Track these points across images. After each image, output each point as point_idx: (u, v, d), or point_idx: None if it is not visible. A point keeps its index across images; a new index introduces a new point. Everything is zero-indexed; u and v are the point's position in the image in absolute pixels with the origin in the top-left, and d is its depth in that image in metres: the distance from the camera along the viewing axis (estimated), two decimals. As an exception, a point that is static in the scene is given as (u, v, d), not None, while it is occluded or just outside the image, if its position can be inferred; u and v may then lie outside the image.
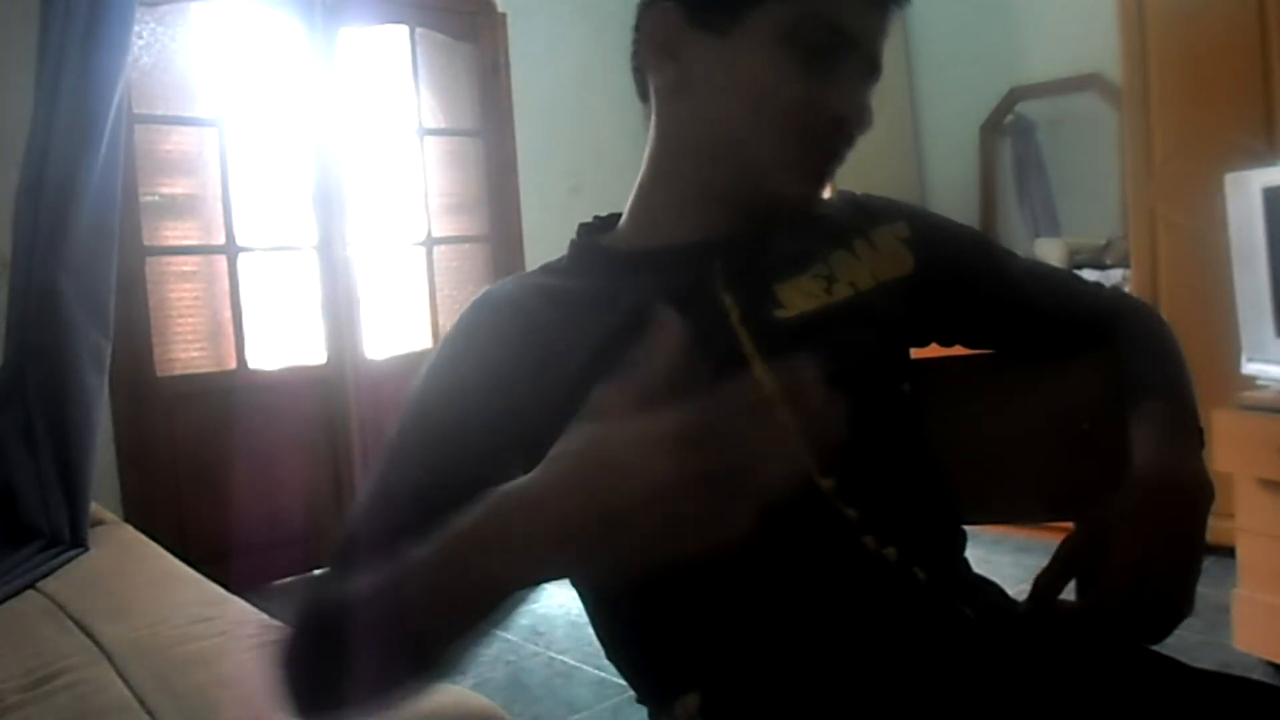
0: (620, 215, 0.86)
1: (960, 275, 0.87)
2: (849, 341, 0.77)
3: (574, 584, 0.80)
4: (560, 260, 0.85)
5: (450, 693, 1.25)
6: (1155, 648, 0.72)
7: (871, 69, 0.77)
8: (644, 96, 0.82)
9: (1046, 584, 0.73)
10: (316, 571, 0.71)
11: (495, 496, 0.52)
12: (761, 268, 0.80)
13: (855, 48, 0.74)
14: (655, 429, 0.47)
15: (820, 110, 0.74)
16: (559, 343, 0.74)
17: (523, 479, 0.51)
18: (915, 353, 0.89)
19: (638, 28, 0.80)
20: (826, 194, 0.81)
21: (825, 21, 0.73)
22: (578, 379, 0.70)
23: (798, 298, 0.79)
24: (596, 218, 0.88)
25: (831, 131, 0.75)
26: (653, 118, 0.82)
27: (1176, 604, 0.68)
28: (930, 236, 0.87)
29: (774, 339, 0.76)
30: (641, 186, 0.83)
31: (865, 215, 0.87)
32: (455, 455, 0.69)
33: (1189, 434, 0.78)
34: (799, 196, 0.77)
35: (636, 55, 0.81)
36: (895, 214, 0.88)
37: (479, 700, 1.27)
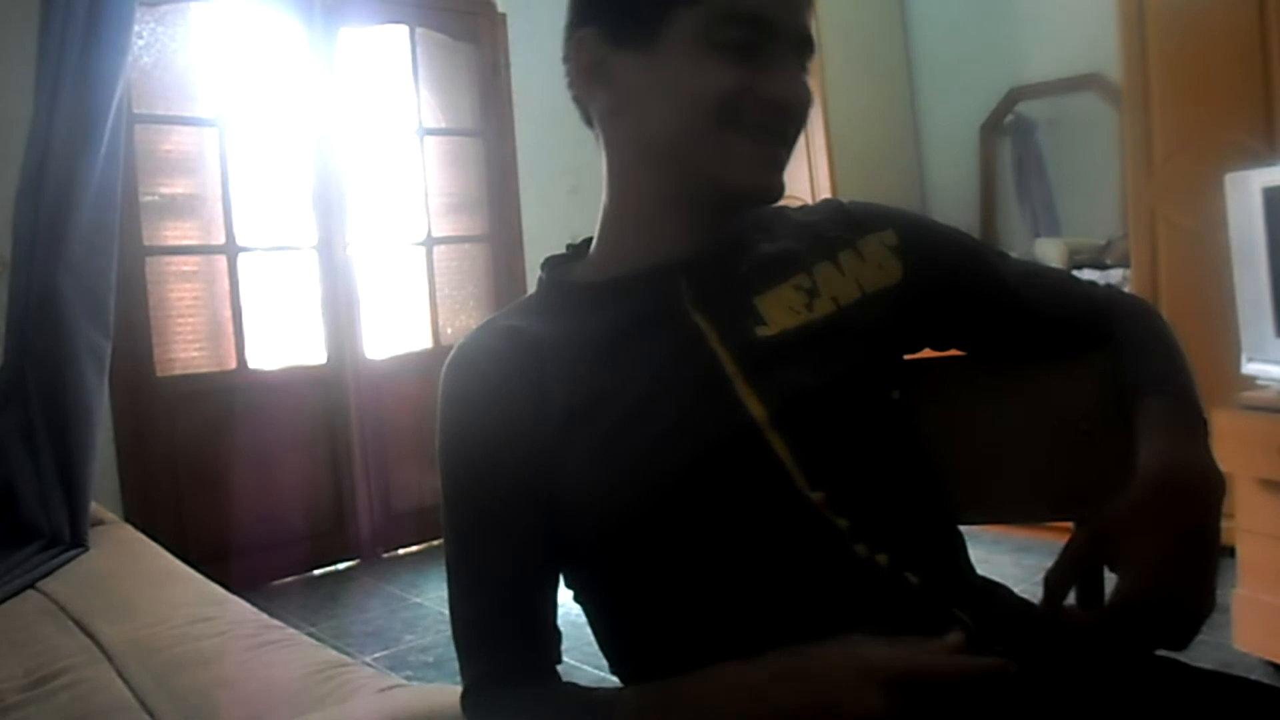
0: (592, 240, 0.86)
1: (951, 280, 0.86)
2: (832, 357, 0.77)
3: (576, 598, 0.80)
4: (531, 298, 0.85)
5: (449, 692, 1.24)
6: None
7: (800, 48, 0.77)
8: (589, 122, 0.82)
9: (1057, 582, 0.73)
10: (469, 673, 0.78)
11: (722, 675, 0.66)
12: (737, 282, 0.79)
13: (777, 33, 0.74)
14: (881, 667, 0.62)
15: (756, 97, 0.74)
16: (541, 385, 0.76)
17: (751, 667, 0.66)
18: (912, 355, 0.89)
19: (566, 58, 0.80)
20: (793, 191, 0.81)
21: (741, 15, 0.73)
22: (563, 419, 0.74)
23: (780, 313, 0.78)
24: (569, 246, 0.88)
25: (772, 115, 0.75)
26: (601, 142, 0.82)
27: (1197, 601, 0.68)
28: (920, 243, 0.86)
29: (756, 357, 0.76)
30: (604, 212, 0.83)
31: (852, 224, 0.86)
32: (501, 511, 0.76)
33: (1194, 426, 0.77)
34: (756, 187, 0.77)
35: (572, 85, 0.81)
36: (884, 221, 0.86)
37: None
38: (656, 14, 0.74)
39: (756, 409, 0.73)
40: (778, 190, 0.78)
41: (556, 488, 0.74)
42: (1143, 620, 0.68)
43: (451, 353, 0.81)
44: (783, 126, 0.76)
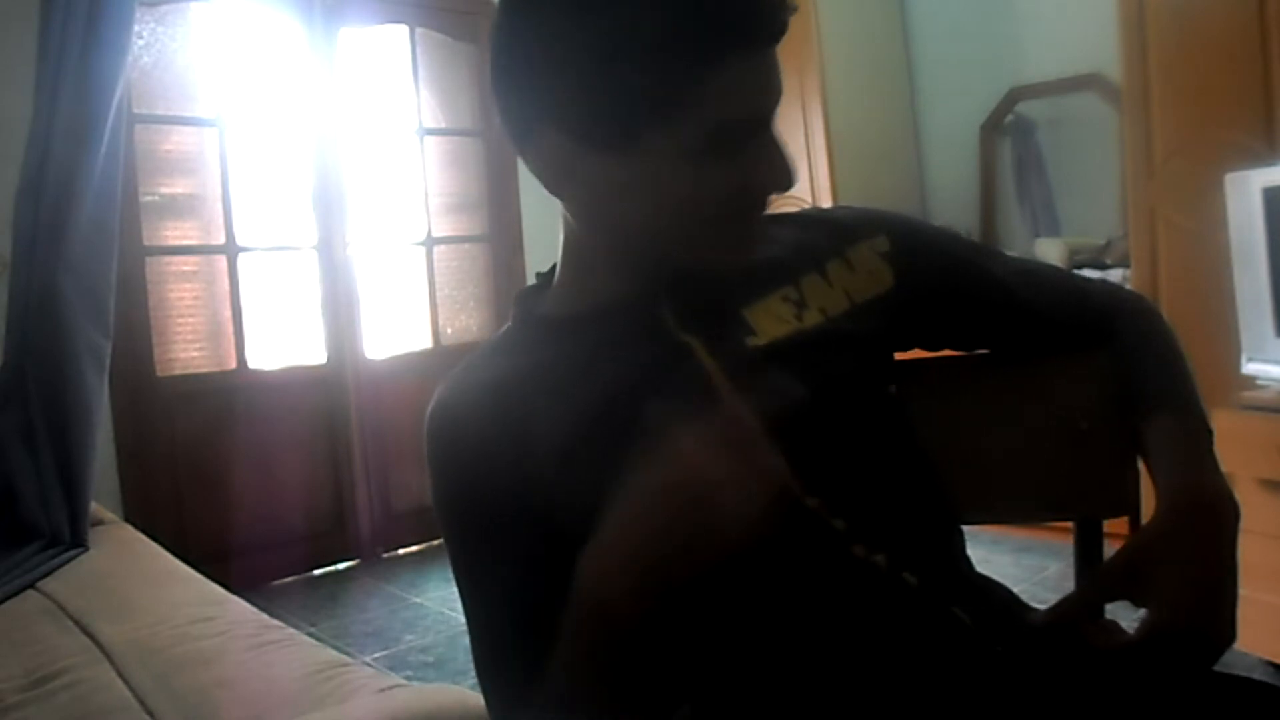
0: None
1: (946, 282, 0.86)
2: (825, 363, 0.76)
3: None
4: (507, 335, 0.82)
5: (449, 692, 1.25)
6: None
7: (772, 118, 0.73)
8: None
9: (1077, 605, 0.73)
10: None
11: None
12: (722, 294, 0.78)
13: (766, 120, 0.71)
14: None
15: (748, 193, 0.72)
16: (529, 424, 0.74)
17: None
18: (911, 355, 0.89)
19: (521, 151, 0.74)
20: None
21: (733, 122, 0.68)
22: (558, 453, 0.72)
23: (770, 323, 0.77)
24: (538, 274, 0.85)
25: (756, 203, 0.73)
26: (562, 207, 0.78)
27: (1222, 631, 0.69)
28: (913, 247, 0.85)
29: (746, 369, 0.75)
30: (568, 244, 0.80)
31: (841, 233, 0.85)
32: (511, 552, 0.75)
33: (1206, 446, 0.77)
34: (741, 260, 0.75)
35: (536, 176, 0.75)
36: (875, 228, 0.85)
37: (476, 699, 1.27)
38: (631, 125, 0.68)
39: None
40: (759, 254, 0.77)
41: (557, 517, 0.73)
42: (1171, 649, 0.68)
43: (433, 404, 0.78)
44: (766, 205, 0.74)
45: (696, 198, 0.70)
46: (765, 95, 0.70)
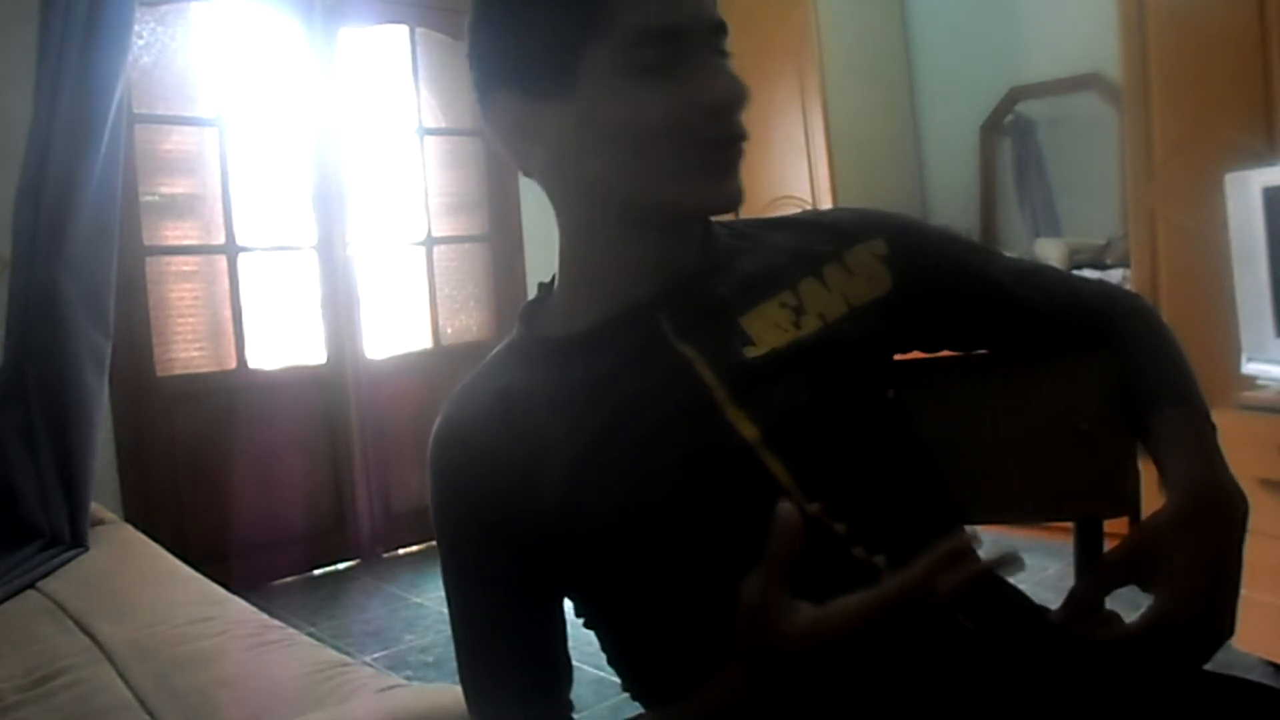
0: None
1: (944, 284, 0.86)
2: (823, 369, 0.76)
3: (586, 624, 0.80)
4: (511, 352, 0.82)
5: (449, 692, 1.25)
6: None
7: (715, 38, 0.73)
8: (526, 173, 0.79)
9: (1084, 595, 0.73)
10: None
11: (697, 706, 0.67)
12: (719, 305, 0.78)
13: (691, 36, 0.71)
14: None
15: (691, 111, 0.71)
16: (534, 443, 0.74)
17: (720, 686, 0.66)
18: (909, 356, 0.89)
19: (486, 122, 0.77)
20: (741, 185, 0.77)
21: (653, 33, 0.70)
22: (562, 471, 0.73)
23: (767, 332, 0.77)
24: (540, 285, 0.85)
25: (716, 121, 0.72)
26: (545, 191, 0.79)
27: (1223, 624, 0.69)
28: (910, 249, 0.85)
29: (745, 379, 0.75)
30: (564, 256, 0.80)
31: (838, 235, 0.84)
32: (512, 569, 0.76)
33: (1214, 441, 0.77)
34: (716, 199, 0.74)
35: (503, 147, 0.77)
36: (872, 230, 0.85)
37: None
38: (567, 59, 0.71)
39: (748, 430, 0.73)
40: (737, 196, 0.75)
41: (561, 534, 0.73)
42: (1174, 640, 0.68)
43: (438, 423, 0.78)
44: (729, 129, 0.73)
45: (645, 123, 0.71)
46: (683, 4, 0.71)
